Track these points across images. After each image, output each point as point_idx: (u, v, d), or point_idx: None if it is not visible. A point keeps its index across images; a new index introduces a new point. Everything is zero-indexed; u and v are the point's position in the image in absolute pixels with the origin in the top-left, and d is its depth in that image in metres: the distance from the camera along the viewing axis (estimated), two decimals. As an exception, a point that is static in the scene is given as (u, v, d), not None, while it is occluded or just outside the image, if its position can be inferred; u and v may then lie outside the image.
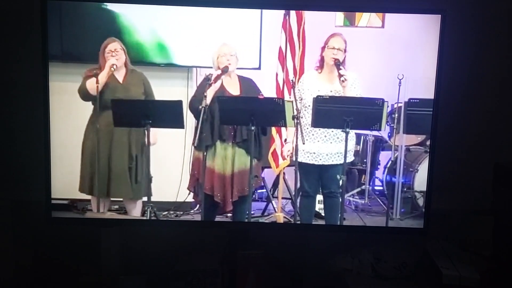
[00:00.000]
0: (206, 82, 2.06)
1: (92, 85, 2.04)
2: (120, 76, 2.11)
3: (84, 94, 2.05)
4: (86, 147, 2.09)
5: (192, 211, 2.21)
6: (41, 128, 2.01)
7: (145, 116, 2.04)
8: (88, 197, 2.12)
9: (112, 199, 2.16)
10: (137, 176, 2.14)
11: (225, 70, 2.06)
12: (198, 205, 2.19)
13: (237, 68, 2.10)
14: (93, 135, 2.08)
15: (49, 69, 1.98)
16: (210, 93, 2.05)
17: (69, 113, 2.05)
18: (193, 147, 2.10)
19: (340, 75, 2.06)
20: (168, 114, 2.05)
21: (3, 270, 2.19)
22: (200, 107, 2.04)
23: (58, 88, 2.01)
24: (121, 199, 2.18)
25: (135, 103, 2.10)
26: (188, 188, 2.15)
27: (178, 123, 2.05)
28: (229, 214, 2.17)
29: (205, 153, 2.09)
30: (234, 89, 2.12)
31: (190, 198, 2.17)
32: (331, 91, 2.11)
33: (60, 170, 2.06)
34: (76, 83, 2.04)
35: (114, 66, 2.05)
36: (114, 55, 2.05)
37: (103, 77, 2.05)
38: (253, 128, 2.05)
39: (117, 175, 2.12)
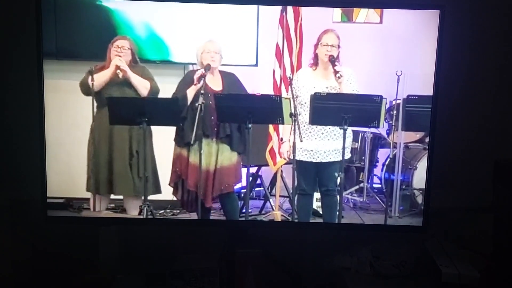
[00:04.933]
0: (188, 80, 2.06)
1: (97, 82, 2.04)
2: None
3: (86, 90, 2.04)
4: (92, 145, 2.08)
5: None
6: (36, 126, 2.01)
7: (141, 113, 2.03)
8: (84, 195, 2.12)
9: (111, 197, 2.16)
10: (138, 172, 2.13)
11: (207, 69, 2.05)
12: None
13: (234, 65, 2.09)
14: (99, 132, 2.08)
15: (43, 67, 1.97)
16: (190, 92, 2.05)
17: (64, 111, 2.05)
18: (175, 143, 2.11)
19: (335, 71, 2.04)
20: (164, 112, 2.04)
21: (1, 269, 2.18)
22: (197, 104, 2.03)
23: (53, 86, 2.00)
24: (120, 198, 2.17)
25: (131, 101, 2.08)
26: (169, 184, 2.15)
27: (174, 120, 2.05)
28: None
29: (201, 152, 2.08)
30: (216, 85, 2.10)
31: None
32: (327, 87, 2.09)
33: (56, 169, 2.05)
34: (71, 80, 2.04)
35: (120, 74, 2.04)
36: (119, 52, 2.03)
37: (105, 75, 2.04)
38: (250, 125, 2.04)
39: (119, 172, 2.12)
